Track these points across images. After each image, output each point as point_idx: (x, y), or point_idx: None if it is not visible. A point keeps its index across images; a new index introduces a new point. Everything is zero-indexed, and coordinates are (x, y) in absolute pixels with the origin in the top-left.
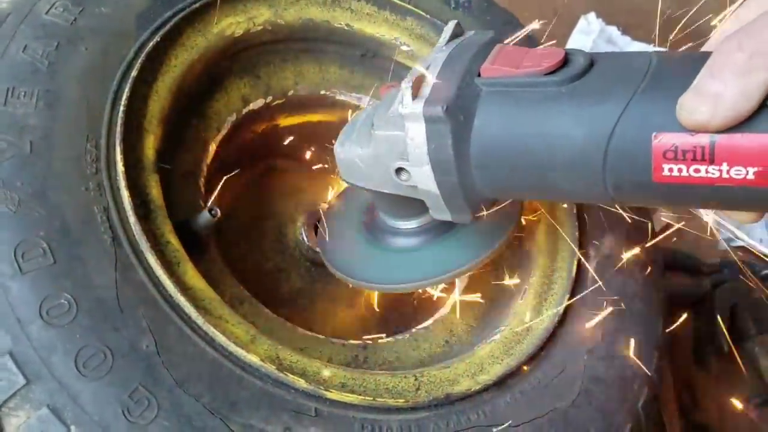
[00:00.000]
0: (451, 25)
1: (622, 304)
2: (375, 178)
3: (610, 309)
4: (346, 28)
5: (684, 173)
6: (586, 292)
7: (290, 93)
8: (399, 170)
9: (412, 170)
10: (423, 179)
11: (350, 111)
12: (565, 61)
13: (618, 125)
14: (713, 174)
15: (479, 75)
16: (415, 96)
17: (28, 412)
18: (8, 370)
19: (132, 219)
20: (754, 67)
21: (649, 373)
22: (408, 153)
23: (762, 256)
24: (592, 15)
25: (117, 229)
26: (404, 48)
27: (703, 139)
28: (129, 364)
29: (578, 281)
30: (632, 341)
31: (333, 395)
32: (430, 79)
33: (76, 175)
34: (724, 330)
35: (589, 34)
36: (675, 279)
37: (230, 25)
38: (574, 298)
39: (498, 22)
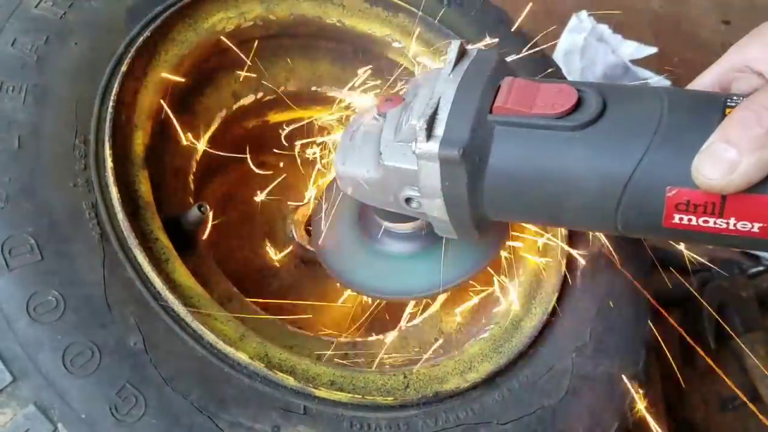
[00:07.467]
0: (455, 46)
1: (611, 303)
2: (379, 200)
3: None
4: (337, 24)
5: (693, 222)
6: (575, 290)
7: (281, 89)
8: (408, 199)
9: (423, 201)
10: (433, 209)
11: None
12: (578, 102)
13: (633, 177)
14: (720, 225)
15: (491, 111)
16: (429, 135)
17: (15, 409)
18: None
19: (120, 215)
20: None
21: (637, 371)
22: (420, 186)
23: (749, 254)
24: (583, 13)
25: (105, 226)
26: (396, 45)
27: (715, 196)
28: (117, 361)
29: (567, 280)
30: (620, 339)
31: (322, 393)
32: (443, 116)
33: (64, 170)
34: (712, 328)
35: (581, 32)
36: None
37: (221, 20)
38: (563, 297)
39: (490, 20)
